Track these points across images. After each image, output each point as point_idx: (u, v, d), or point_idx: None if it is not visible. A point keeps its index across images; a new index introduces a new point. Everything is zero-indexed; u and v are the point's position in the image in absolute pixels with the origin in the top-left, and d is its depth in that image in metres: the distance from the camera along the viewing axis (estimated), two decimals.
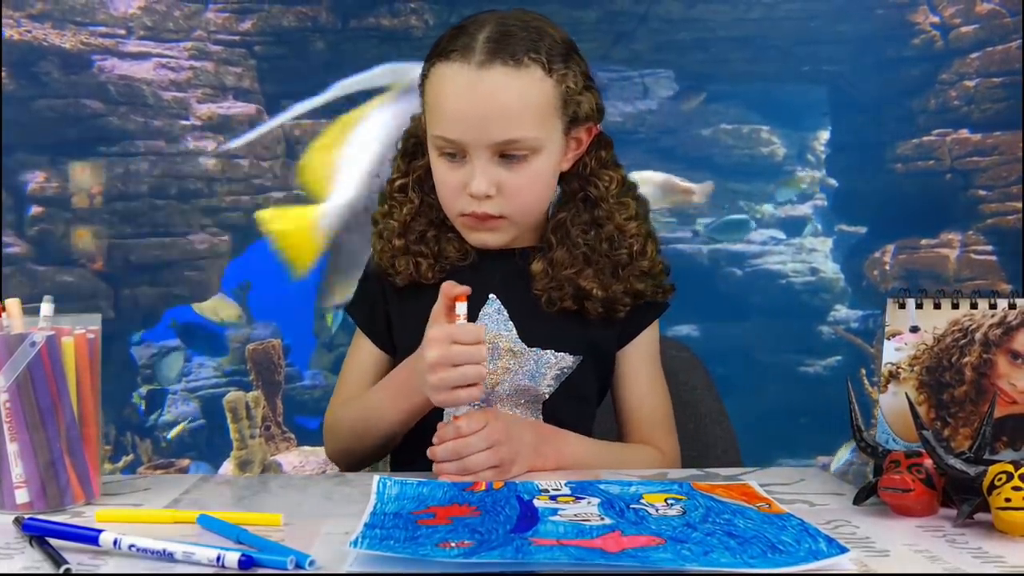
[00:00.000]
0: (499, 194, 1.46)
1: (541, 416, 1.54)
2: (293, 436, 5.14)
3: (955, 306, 1.27)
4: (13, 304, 1.18)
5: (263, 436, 4.89)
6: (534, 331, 1.53)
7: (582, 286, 1.51)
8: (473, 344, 1.32)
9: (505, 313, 1.54)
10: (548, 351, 1.53)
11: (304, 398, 6.04)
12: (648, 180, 5.96)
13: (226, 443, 4.93)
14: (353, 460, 1.60)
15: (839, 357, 6.15)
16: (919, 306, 1.28)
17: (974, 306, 1.26)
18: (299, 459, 4.92)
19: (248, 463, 4.73)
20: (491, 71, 1.41)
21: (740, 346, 6.52)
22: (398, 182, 1.59)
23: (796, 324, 6.78)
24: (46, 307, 1.19)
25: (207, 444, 5.80)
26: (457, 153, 1.46)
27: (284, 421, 5.18)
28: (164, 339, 6.14)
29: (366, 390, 1.59)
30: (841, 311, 6.82)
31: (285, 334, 5.92)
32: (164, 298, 5.51)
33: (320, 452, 4.99)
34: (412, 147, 1.60)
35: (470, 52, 1.42)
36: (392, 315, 1.61)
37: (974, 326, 1.26)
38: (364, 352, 1.63)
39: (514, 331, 1.53)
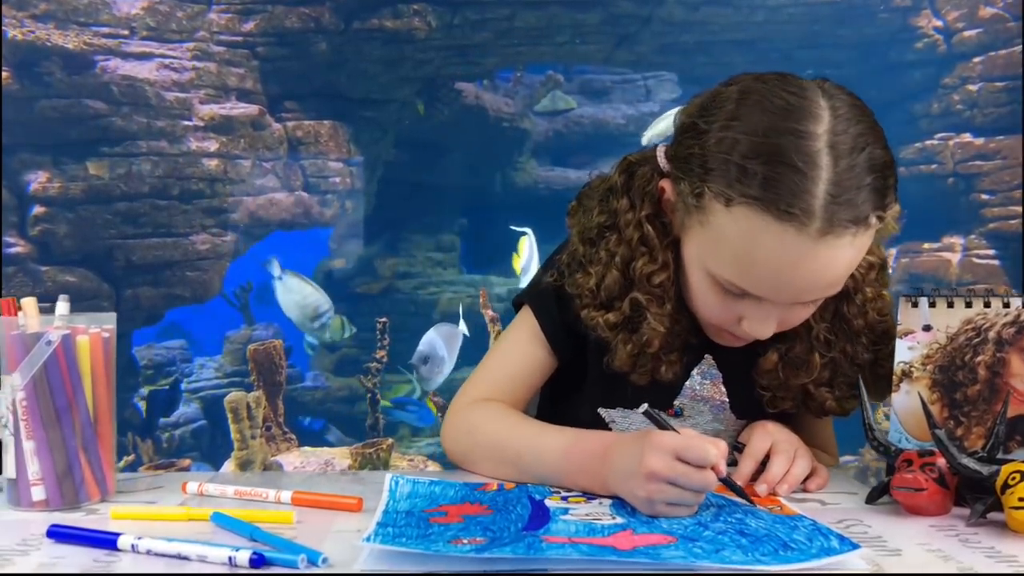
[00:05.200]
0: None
1: None
2: (294, 437, 5.13)
3: (968, 305, 1.27)
4: (29, 303, 1.18)
5: (264, 436, 4.88)
6: (742, 404, 1.45)
7: (813, 394, 1.40)
8: (698, 467, 1.12)
9: (718, 375, 1.44)
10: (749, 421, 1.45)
11: (305, 399, 6.03)
12: None
13: (227, 443, 4.92)
14: (464, 466, 1.43)
15: None
16: (932, 305, 1.28)
17: (987, 305, 1.26)
18: (300, 460, 4.91)
19: (249, 463, 4.72)
20: (829, 243, 1.17)
21: None
22: (657, 278, 1.35)
23: None
24: (62, 306, 1.19)
25: (208, 444, 5.80)
26: (743, 294, 1.27)
27: (285, 422, 5.17)
28: (165, 340, 6.15)
29: (513, 395, 1.47)
30: None
31: (287, 335, 5.92)
32: (166, 299, 5.51)
33: (320, 453, 4.99)
34: (665, 227, 1.36)
35: (809, 216, 1.15)
36: (590, 339, 1.43)
37: (987, 325, 1.25)
38: (531, 354, 1.48)
39: (726, 397, 1.45)
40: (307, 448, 5.11)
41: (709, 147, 1.22)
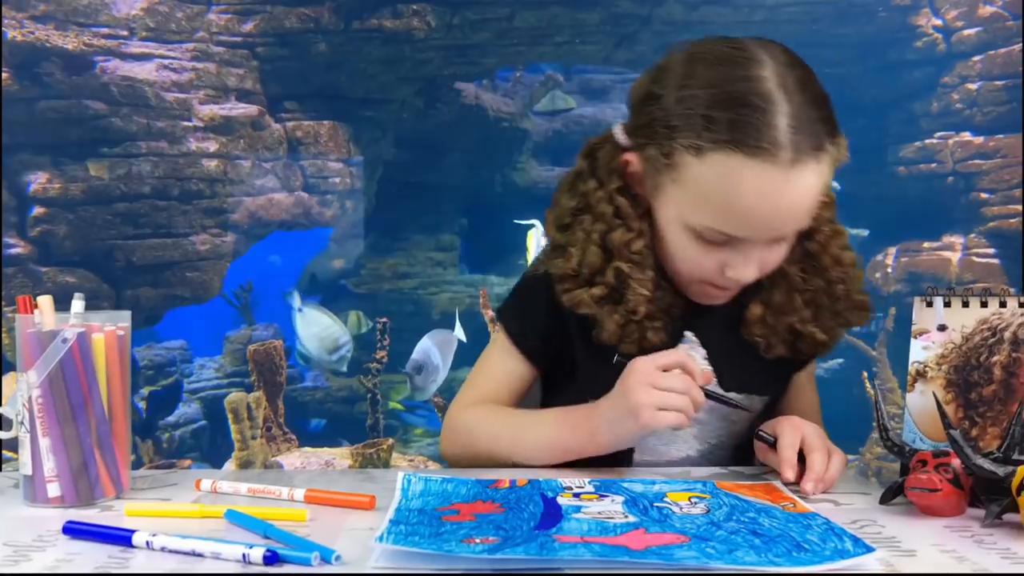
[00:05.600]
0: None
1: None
2: (294, 437, 5.14)
3: (984, 305, 1.26)
4: (45, 301, 1.19)
5: (264, 437, 4.88)
6: (731, 374, 1.47)
7: (802, 332, 1.45)
8: (676, 368, 1.29)
9: (701, 352, 1.47)
10: (742, 395, 1.48)
11: (306, 399, 6.03)
12: None
13: (227, 444, 4.92)
14: (464, 465, 1.48)
15: (841, 360, 6.15)
16: (947, 304, 1.28)
17: (1003, 305, 1.26)
18: (300, 460, 4.91)
19: (249, 464, 4.72)
20: (800, 170, 1.25)
21: None
22: (636, 245, 1.40)
23: None
24: (77, 304, 1.19)
25: (208, 445, 5.80)
26: (724, 241, 1.33)
27: (285, 422, 5.17)
28: (165, 340, 6.15)
29: (501, 401, 1.53)
30: None
31: (287, 335, 5.92)
32: (166, 299, 5.51)
33: (320, 453, 4.99)
34: (635, 198, 1.42)
35: (777, 147, 1.23)
36: (570, 327, 1.48)
37: (1003, 325, 1.25)
38: (509, 365, 1.55)
39: (712, 373, 1.46)
40: (307, 448, 5.11)
41: (669, 107, 1.30)
